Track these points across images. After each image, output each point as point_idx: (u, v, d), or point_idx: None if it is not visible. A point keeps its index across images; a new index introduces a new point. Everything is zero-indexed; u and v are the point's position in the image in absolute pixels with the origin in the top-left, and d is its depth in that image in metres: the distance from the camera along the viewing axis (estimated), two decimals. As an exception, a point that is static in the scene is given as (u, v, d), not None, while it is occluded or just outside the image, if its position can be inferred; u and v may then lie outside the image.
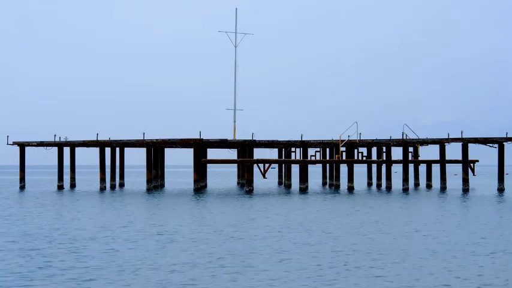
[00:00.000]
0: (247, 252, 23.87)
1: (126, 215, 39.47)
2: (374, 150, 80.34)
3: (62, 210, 43.94)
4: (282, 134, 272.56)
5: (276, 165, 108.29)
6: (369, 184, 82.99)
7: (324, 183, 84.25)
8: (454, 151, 75.02)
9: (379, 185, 75.98)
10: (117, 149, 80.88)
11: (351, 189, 70.01)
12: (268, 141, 71.45)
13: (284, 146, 76.73)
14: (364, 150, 78.82)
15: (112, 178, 76.59)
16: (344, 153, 70.40)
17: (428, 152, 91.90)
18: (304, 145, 72.99)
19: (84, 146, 76.16)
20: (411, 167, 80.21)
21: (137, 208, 45.41)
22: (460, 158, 69.23)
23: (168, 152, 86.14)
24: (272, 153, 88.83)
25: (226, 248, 24.89)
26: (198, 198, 56.22)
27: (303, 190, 68.20)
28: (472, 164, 75.56)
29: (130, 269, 20.33)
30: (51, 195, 64.29)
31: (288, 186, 77.57)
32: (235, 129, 78.42)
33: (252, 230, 31.23)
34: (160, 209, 44.26)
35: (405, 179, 71.15)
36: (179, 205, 48.13)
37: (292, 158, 79.14)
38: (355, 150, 72.10)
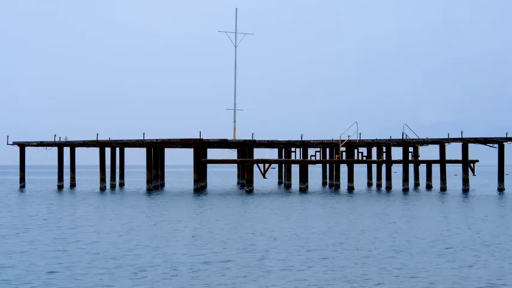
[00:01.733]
0: (266, 250, 23.90)
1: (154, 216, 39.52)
2: (374, 150, 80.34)
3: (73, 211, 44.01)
4: (282, 134, 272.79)
5: (276, 165, 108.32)
6: (369, 184, 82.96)
7: (324, 183, 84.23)
8: (454, 151, 75.03)
9: (379, 185, 75.96)
10: (117, 149, 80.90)
11: (350, 189, 69.97)
12: (268, 141, 71.44)
13: (284, 146, 76.72)
14: (364, 150, 78.85)
15: (112, 178, 76.59)
16: (344, 153, 70.37)
17: (428, 152, 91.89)
18: (304, 145, 72.98)
19: (84, 146, 76.14)
20: (411, 167, 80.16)
21: (140, 208, 45.48)
22: (460, 158, 69.21)
23: (168, 152, 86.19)
24: (272, 153, 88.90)
25: (242, 246, 24.91)
26: (199, 198, 56.18)
27: (303, 190, 68.16)
28: (472, 164, 75.46)
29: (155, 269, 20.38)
30: (56, 195, 64.22)
31: (288, 186, 77.55)
32: (235, 129, 78.45)
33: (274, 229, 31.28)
34: (167, 210, 44.27)
35: (405, 179, 71.10)
36: (185, 205, 48.14)
37: (292, 158, 79.13)
38: (355, 150, 72.06)
